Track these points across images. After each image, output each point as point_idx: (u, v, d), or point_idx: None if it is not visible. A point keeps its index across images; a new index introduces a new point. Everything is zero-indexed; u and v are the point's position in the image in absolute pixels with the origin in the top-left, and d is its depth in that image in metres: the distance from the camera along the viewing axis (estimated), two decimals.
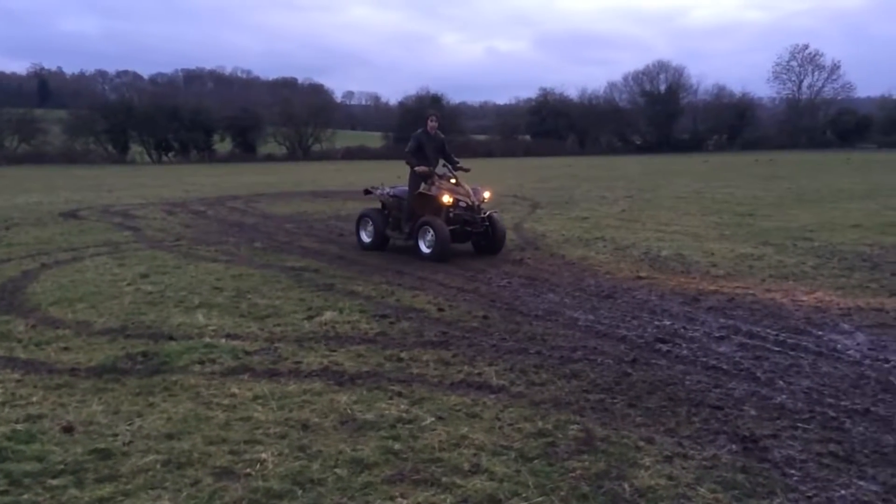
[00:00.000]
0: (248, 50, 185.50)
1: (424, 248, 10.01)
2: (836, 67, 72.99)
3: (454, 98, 73.78)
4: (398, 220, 10.72)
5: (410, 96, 68.71)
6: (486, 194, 10.40)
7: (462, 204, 10.12)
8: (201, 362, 5.38)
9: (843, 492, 3.41)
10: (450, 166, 10.40)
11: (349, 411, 4.40)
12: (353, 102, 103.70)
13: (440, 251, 9.74)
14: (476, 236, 10.32)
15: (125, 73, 79.57)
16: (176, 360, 5.41)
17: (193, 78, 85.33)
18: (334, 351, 5.67)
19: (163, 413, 4.41)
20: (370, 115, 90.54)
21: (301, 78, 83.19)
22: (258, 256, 10.37)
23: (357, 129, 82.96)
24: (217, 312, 6.93)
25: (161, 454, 3.81)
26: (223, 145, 61.74)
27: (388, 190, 11.18)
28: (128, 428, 4.18)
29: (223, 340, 5.93)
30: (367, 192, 11.60)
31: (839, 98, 73.44)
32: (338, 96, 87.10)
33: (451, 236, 9.97)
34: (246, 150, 60.40)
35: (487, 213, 10.28)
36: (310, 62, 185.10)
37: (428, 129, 10.36)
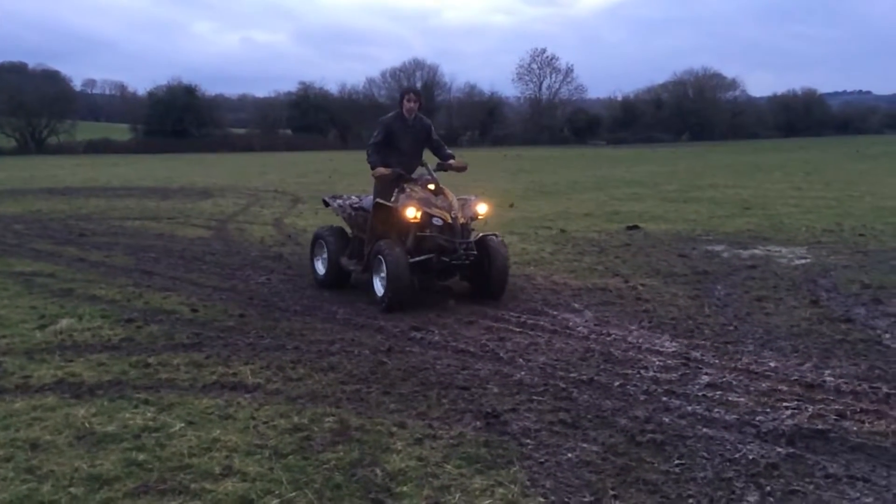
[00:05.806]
0: None
1: (378, 287, 6.88)
2: (570, 70, 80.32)
3: (210, 90, 70.99)
4: (361, 244, 7.62)
5: (161, 86, 64.95)
6: (482, 208, 7.24)
7: (437, 222, 6.89)
8: None
9: (569, 455, 3.79)
10: (429, 167, 7.41)
11: (87, 425, 4.08)
12: (95, 91, 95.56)
13: (390, 296, 6.63)
14: (462, 269, 7.16)
15: None
16: None
17: None
18: (71, 361, 5.22)
19: None
20: (116, 105, 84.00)
21: (32, 63, 74.49)
22: None
23: (101, 121, 76.67)
24: None
25: None
26: None
27: (353, 199, 8.27)
28: None
29: None
30: (325, 202, 8.65)
31: (574, 98, 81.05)
32: (77, 84, 79.57)
33: (424, 270, 6.99)
34: None
35: (478, 236, 7.24)
36: (42, 46, 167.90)
37: (404, 113, 7.41)
